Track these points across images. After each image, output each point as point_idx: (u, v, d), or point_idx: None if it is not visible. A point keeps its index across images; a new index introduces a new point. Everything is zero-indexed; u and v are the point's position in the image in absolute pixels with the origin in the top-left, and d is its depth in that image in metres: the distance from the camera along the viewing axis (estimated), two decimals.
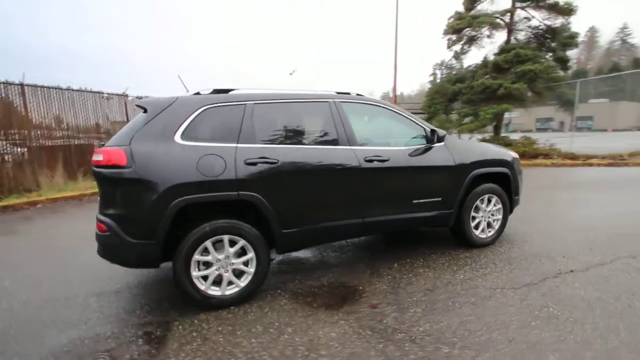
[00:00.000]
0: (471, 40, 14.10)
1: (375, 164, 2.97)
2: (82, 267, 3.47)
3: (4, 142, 7.61)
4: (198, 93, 2.77)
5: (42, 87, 8.20)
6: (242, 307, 2.56)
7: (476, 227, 3.59)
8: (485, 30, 13.61)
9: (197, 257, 2.45)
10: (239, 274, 2.62)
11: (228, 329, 2.29)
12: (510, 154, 3.82)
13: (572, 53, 13.66)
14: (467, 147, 3.66)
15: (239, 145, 2.57)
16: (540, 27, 13.05)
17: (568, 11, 12.09)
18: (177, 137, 2.45)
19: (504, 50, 12.86)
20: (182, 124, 2.49)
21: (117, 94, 10.14)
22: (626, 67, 49.25)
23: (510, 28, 13.21)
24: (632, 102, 40.57)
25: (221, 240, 2.51)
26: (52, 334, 2.32)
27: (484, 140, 11.95)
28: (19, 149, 7.91)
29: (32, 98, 8.04)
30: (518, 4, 12.89)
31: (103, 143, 2.67)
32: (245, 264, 2.60)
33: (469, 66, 14.61)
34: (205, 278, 2.51)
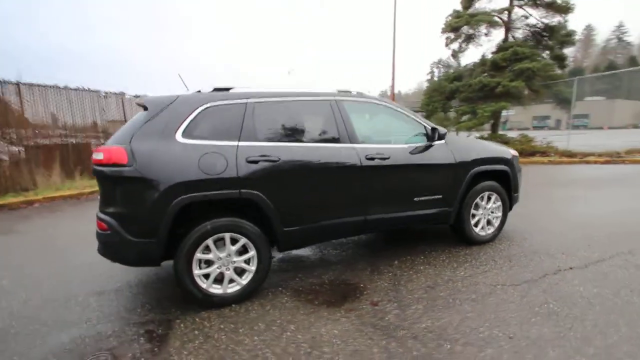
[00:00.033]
0: (469, 39, 14.12)
1: (377, 162, 2.97)
2: (82, 266, 3.46)
3: (1, 141, 7.55)
4: (199, 91, 2.76)
5: (39, 85, 8.15)
6: (244, 305, 2.56)
7: (476, 224, 3.61)
8: (483, 29, 13.63)
9: (198, 255, 2.45)
10: (240, 272, 2.62)
11: (230, 327, 2.29)
12: (510, 152, 3.84)
13: (568, 51, 13.69)
14: (467, 144, 3.67)
15: (240, 143, 2.57)
16: (538, 25, 13.09)
17: (565, 9, 12.12)
18: (178, 136, 2.44)
19: (501, 48, 12.89)
20: (183, 122, 2.48)
21: (114, 93, 10.09)
22: (622, 66, 49.50)
23: (508, 26, 13.24)
24: (628, 100, 40.82)
25: (222, 239, 2.51)
26: (53, 333, 2.31)
27: (481, 138, 11.98)
28: (15, 148, 7.85)
29: (28, 97, 7.98)
30: (516, 2, 12.91)
31: (103, 142, 2.65)
32: (247, 262, 2.60)
33: (467, 64, 14.65)
34: (206, 276, 2.51)
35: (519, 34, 13.49)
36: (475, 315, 2.32)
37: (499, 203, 3.70)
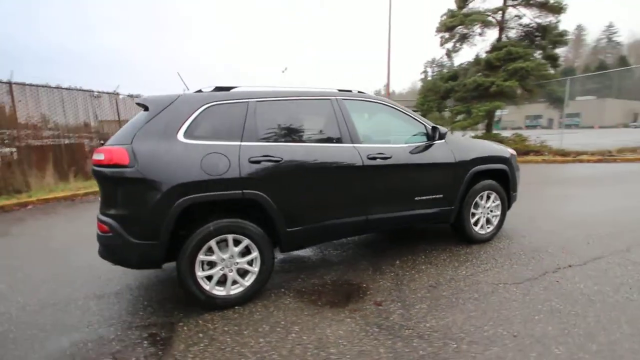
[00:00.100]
0: (463, 38, 14.22)
1: (378, 162, 2.97)
2: (80, 268, 3.41)
3: None
4: (200, 91, 2.73)
5: (31, 85, 8.02)
6: (247, 307, 2.55)
7: (475, 223, 3.63)
8: (477, 28, 13.74)
9: (201, 257, 2.43)
10: (243, 273, 2.60)
11: (234, 329, 2.27)
12: (508, 151, 3.87)
13: (560, 51, 13.86)
14: (467, 144, 3.69)
15: (243, 143, 2.55)
16: (531, 25, 13.23)
17: (558, 9, 12.27)
18: (180, 136, 2.42)
19: (495, 48, 13.00)
20: (184, 122, 2.45)
21: (107, 92, 9.98)
22: (612, 65, 50.30)
23: (502, 26, 13.36)
24: (618, 100, 41.48)
25: (225, 240, 2.49)
26: (53, 338, 2.27)
27: (476, 137, 12.07)
28: (7, 149, 7.72)
29: (20, 97, 7.85)
30: (509, 2, 13.04)
31: (99, 142, 2.61)
32: (250, 263, 2.59)
33: (462, 64, 14.75)
34: (209, 278, 2.49)
35: (513, 33, 13.63)
36: (479, 314, 2.33)
37: (498, 202, 3.72)
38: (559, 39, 12.87)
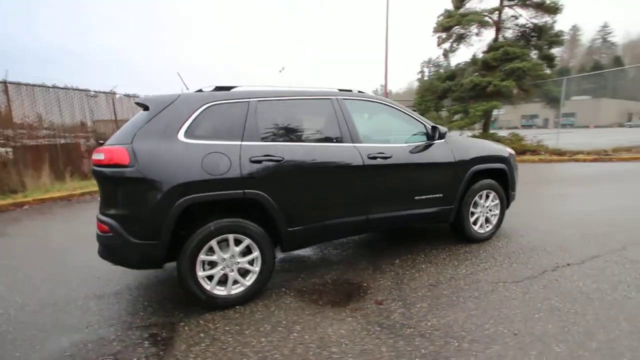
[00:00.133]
0: (460, 38, 14.28)
1: (379, 161, 2.98)
2: (79, 269, 3.39)
3: None
4: (200, 90, 2.73)
5: (26, 84, 7.96)
6: (248, 307, 2.54)
7: (475, 222, 3.65)
8: (474, 28, 13.81)
9: (202, 256, 2.42)
10: (244, 273, 2.59)
11: (236, 329, 2.27)
12: (507, 150, 3.89)
13: (555, 51, 13.98)
14: (466, 143, 3.71)
15: (244, 143, 2.54)
16: (527, 25, 13.30)
17: (554, 10, 12.35)
18: (181, 135, 2.41)
19: (492, 48, 13.07)
20: (185, 121, 2.44)
21: (104, 92, 9.91)
22: (607, 65, 50.68)
23: (499, 26, 13.43)
24: (613, 99, 41.84)
25: (226, 240, 2.48)
26: (53, 339, 2.26)
27: (473, 136, 12.13)
28: (2, 149, 7.65)
29: (15, 96, 7.78)
30: (506, 2, 13.10)
31: (102, 142, 2.60)
32: (251, 263, 2.58)
33: (459, 64, 14.82)
34: (210, 278, 2.48)
35: (509, 33, 13.70)
36: (480, 313, 2.34)
37: (497, 201, 3.74)
38: (555, 39, 12.96)
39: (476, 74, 13.20)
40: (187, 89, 2.91)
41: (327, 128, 2.95)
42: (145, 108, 2.52)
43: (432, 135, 3.31)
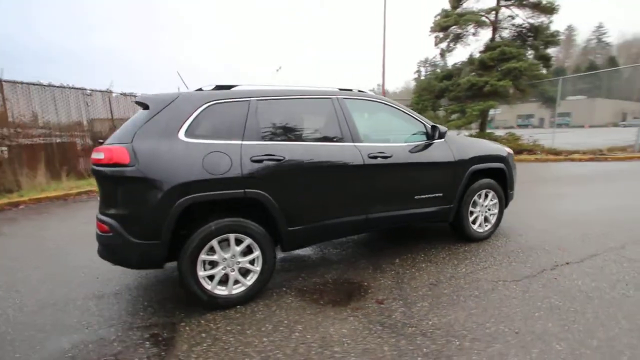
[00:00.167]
0: (457, 38, 14.34)
1: (379, 161, 2.98)
2: (77, 269, 3.37)
3: None
4: (200, 89, 2.71)
5: (22, 83, 7.88)
6: (249, 306, 2.54)
7: (474, 221, 3.66)
8: (471, 28, 13.87)
9: (203, 256, 2.41)
10: (244, 272, 2.59)
11: (237, 329, 2.26)
12: (505, 150, 3.91)
13: (551, 51, 14.07)
14: (465, 143, 3.72)
15: (244, 142, 2.54)
16: (524, 25, 13.38)
17: (550, 10, 12.43)
18: (181, 134, 2.39)
19: (489, 47, 13.13)
20: (185, 120, 2.43)
21: (100, 91, 9.83)
22: (601, 66, 51.10)
23: (495, 26, 13.49)
24: (608, 99, 42.18)
25: (227, 239, 2.48)
26: (53, 339, 2.24)
27: (471, 136, 12.18)
28: None
29: (11, 95, 7.70)
30: (503, 2, 13.17)
31: (101, 141, 2.58)
32: (252, 262, 2.58)
33: (456, 63, 14.87)
34: (211, 278, 2.47)
35: (506, 33, 13.77)
36: (480, 312, 2.36)
37: (496, 200, 3.76)
38: (551, 39, 13.05)
39: (473, 73, 13.26)
40: (187, 88, 2.90)
41: (328, 127, 2.95)
42: (145, 107, 2.50)
43: (431, 135, 3.32)
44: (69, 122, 9.10)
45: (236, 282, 2.54)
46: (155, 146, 2.32)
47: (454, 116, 13.57)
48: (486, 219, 3.76)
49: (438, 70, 16.25)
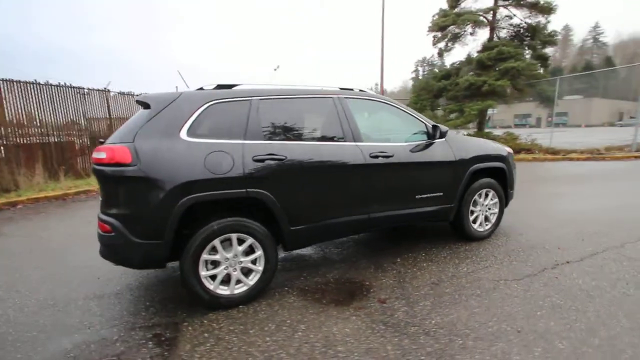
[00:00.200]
0: (455, 38, 14.37)
1: (380, 160, 2.98)
2: (77, 269, 3.35)
3: None
4: (201, 88, 2.70)
5: (19, 82, 7.81)
6: (252, 306, 2.54)
7: (474, 221, 3.68)
8: (469, 28, 13.90)
9: (205, 256, 2.40)
10: (247, 272, 2.58)
11: (240, 328, 2.26)
12: (506, 149, 3.92)
13: (548, 51, 14.13)
14: (466, 142, 3.72)
15: (246, 141, 2.53)
16: (521, 25, 13.43)
17: (548, 10, 12.48)
18: (183, 134, 2.39)
19: (487, 47, 13.17)
20: (187, 120, 2.42)
21: (98, 90, 9.77)
22: (598, 65, 51.36)
23: (493, 26, 13.53)
24: (604, 99, 42.42)
25: (229, 239, 2.47)
26: (54, 339, 2.23)
27: (469, 135, 12.21)
28: None
29: (8, 94, 7.65)
30: (500, 2, 13.21)
31: (103, 140, 2.57)
32: (254, 262, 2.57)
33: (454, 63, 14.91)
34: (213, 277, 2.47)
35: (504, 33, 13.82)
36: (483, 311, 2.36)
37: (496, 200, 3.78)
38: (549, 39, 13.12)
39: (471, 73, 13.31)
40: (188, 87, 2.89)
41: (329, 127, 2.95)
42: (146, 106, 2.49)
43: (432, 134, 3.32)
44: (67, 121, 9.05)
45: (238, 281, 2.54)
46: (157, 145, 2.31)
47: (452, 115, 13.61)
48: (486, 218, 3.77)
49: (436, 70, 16.33)
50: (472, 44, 17.25)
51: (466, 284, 2.76)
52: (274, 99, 2.76)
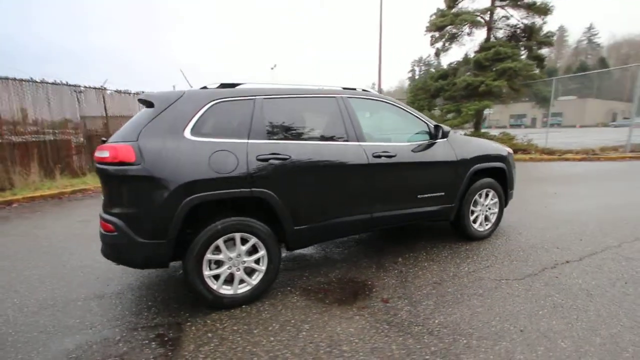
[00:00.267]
0: (452, 38, 14.43)
1: (383, 160, 2.99)
2: (77, 268, 3.32)
3: None
4: (205, 87, 2.69)
5: (14, 79, 7.72)
6: (255, 306, 2.53)
7: (474, 220, 3.70)
8: (466, 28, 13.96)
9: (209, 256, 2.39)
10: (250, 272, 2.58)
11: (244, 328, 2.25)
12: (506, 149, 3.95)
13: (544, 51, 14.24)
14: (467, 142, 3.74)
15: (250, 141, 2.52)
16: (518, 26, 13.51)
17: (545, 11, 12.56)
18: (187, 133, 2.37)
19: (484, 48, 13.24)
20: (191, 119, 2.41)
21: (94, 88, 9.68)
22: (592, 66, 51.83)
23: (490, 26, 13.60)
24: (598, 100, 42.83)
25: (232, 239, 2.46)
26: (56, 340, 2.21)
27: (466, 135, 12.27)
28: None
29: (2, 91, 7.55)
30: (498, 3, 13.28)
31: (105, 139, 2.55)
32: (257, 262, 2.57)
33: (451, 63, 14.96)
34: (216, 277, 2.46)
35: (500, 34, 13.89)
36: (485, 310, 2.38)
37: (496, 199, 3.80)
38: (545, 39, 13.21)
39: (469, 73, 13.37)
40: (191, 86, 2.87)
41: (333, 126, 2.95)
42: (150, 105, 2.47)
43: (434, 134, 3.33)
44: (62, 119, 8.96)
45: (241, 281, 2.53)
46: (161, 144, 2.30)
47: (449, 115, 13.66)
48: (486, 218, 3.79)
49: (433, 70, 16.40)
50: (469, 44, 17.38)
51: (468, 284, 2.77)
52: (277, 98, 2.76)
